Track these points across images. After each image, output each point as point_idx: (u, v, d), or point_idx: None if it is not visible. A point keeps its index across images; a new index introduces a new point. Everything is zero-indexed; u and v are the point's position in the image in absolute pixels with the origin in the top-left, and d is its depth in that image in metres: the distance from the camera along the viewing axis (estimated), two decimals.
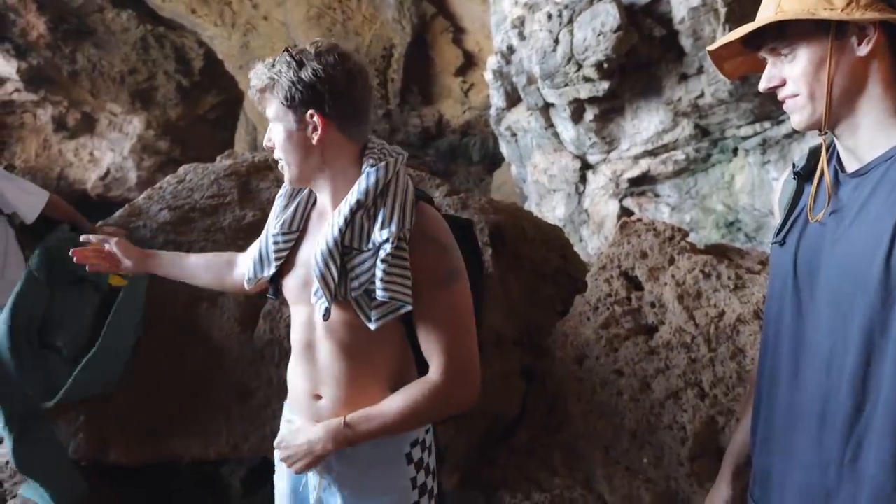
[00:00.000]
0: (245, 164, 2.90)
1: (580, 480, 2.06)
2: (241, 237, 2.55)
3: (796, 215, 1.04)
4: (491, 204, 3.01)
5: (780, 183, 1.15)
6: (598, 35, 5.56)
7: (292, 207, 1.26)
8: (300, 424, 1.28)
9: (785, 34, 0.93)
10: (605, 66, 5.66)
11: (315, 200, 1.27)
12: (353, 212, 1.13)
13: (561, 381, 2.22)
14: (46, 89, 8.06)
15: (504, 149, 7.65)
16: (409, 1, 9.89)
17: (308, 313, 1.24)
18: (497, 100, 7.12)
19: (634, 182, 6.38)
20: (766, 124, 5.64)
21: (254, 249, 1.33)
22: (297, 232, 1.25)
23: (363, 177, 1.15)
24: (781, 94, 0.97)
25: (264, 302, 2.30)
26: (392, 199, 1.15)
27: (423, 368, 1.22)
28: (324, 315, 1.16)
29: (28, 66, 7.75)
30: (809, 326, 0.97)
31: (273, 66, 1.14)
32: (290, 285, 1.27)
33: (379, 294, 1.11)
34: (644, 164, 6.27)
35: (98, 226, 2.53)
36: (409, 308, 1.13)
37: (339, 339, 1.21)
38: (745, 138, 5.79)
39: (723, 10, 5.13)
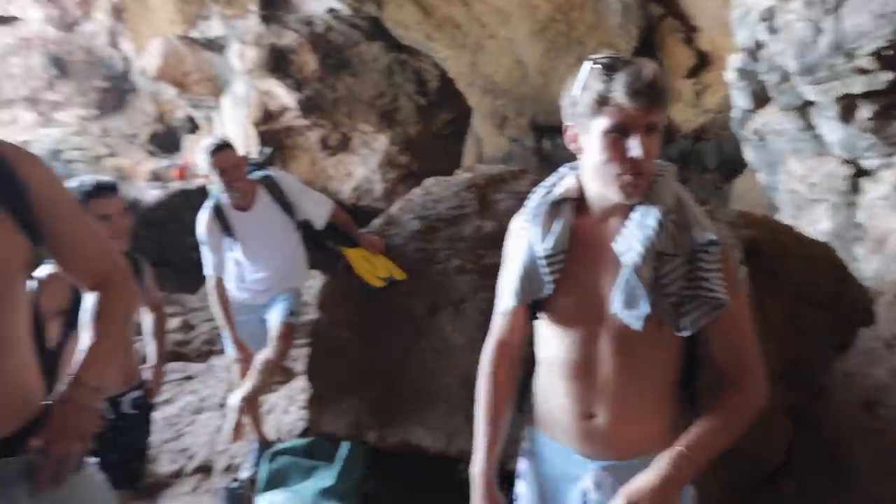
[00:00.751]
0: (483, 177, 3.03)
1: None
2: (481, 247, 2.66)
3: None
4: (742, 217, 2.72)
5: None
6: (878, 17, 4.70)
7: (559, 226, 1.20)
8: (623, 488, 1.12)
9: None
10: (886, 53, 4.75)
11: (572, 218, 1.21)
12: (665, 216, 1.13)
13: (842, 429, 1.88)
14: (316, 115, 9.58)
15: (750, 154, 6.86)
16: (634, 5, 9.50)
17: (587, 331, 1.20)
18: (741, 101, 6.43)
19: None
20: None
21: (508, 283, 1.27)
22: (567, 251, 1.20)
23: (660, 186, 1.15)
24: None
25: None
26: (690, 207, 1.16)
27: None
28: (643, 323, 1.13)
29: (304, 98, 9.28)
30: None
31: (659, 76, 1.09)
32: (564, 304, 1.22)
33: (714, 294, 1.12)
34: None
35: (360, 233, 2.87)
36: (726, 308, 1.13)
37: (629, 350, 1.18)
38: None
39: None
